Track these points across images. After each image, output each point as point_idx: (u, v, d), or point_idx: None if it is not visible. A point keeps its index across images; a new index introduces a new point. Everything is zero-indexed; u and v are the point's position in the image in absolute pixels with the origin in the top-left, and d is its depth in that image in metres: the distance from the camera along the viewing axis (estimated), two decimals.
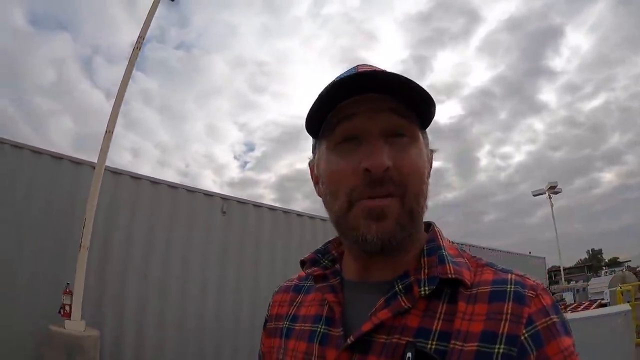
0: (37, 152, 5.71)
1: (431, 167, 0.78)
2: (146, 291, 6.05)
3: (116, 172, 6.19)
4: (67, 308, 4.87)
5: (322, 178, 0.76)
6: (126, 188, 6.25)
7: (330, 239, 0.88)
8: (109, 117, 5.73)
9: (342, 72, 0.78)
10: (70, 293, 4.92)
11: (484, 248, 12.72)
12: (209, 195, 7.13)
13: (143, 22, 6.20)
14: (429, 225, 0.82)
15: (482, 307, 0.65)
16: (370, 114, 0.70)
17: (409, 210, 0.70)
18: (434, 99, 0.70)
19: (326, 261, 0.84)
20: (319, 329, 0.77)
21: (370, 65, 0.78)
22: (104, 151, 5.53)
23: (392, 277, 0.72)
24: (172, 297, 6.27)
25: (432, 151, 0.80)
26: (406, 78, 0.67)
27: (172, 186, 6.78)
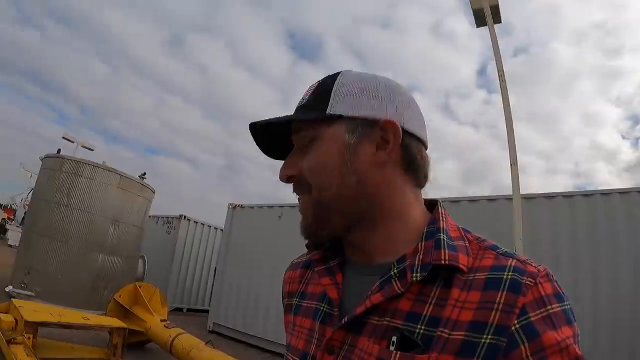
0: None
1: (357, 146, 0.77)
2: None
3: (529, 197, 6.51)
4: None
5: None
6: (539, 209, 6.53)
7: None
8: (509, 151, 6.04)
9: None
10: None
11: None
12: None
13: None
14: (434, 205, 0.81)
15: (475, 294, 0.65)
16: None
17: (316, 202, 0.77)
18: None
19: (328, 243, 0.85)
20: (322, 308, 0.81)
21: (315, 83, 0.84)
22: (515, 181, 5.87)
23: (391, 260, 0.74)
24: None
25: (360, 132, 0.77)
26: (290, 116, 0.80)
27: (586, 194, 6.55)
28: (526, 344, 0.60)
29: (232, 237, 11.80)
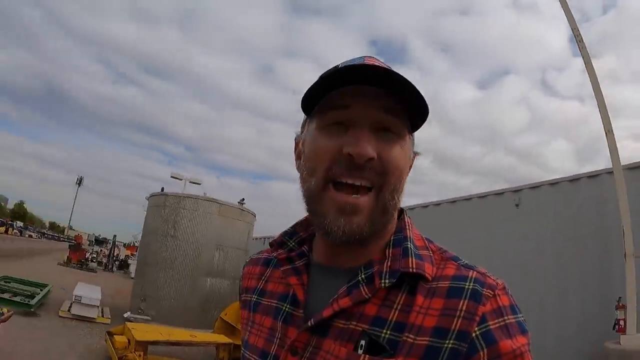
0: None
1: (411, 168, 0.80)
2: None
3: (632, 168, 5.91)
4: (621, 323, 4.80)
5: (304, 154, 0.78)
6: None
7: (298, 221, 0.90)
8: (601, 120, 5.58)
9: (352, 58, 0.81)
10: (623, 307, 4.80)
11: None
12: None
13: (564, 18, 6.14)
14: (400, 213, 0.82)
15: (438, 301, 0.68)
16: (363, 107, 0.71)
17: (382, 206, 0.73)
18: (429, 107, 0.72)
19: (293, 243, 0.86)
20: (284, 308, 0.80)
21: (378, 60, 0.79)
22: (613, 152, 5.34)
23: (358, 265, 0.75)
24: None
25: (415, 153, 0.82)
26: (409, 82, 0.68)
27: None
28: (485, 350, 0.62)
29: None
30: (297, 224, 0.90)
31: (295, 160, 0.85)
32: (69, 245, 33.06)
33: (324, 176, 0.72)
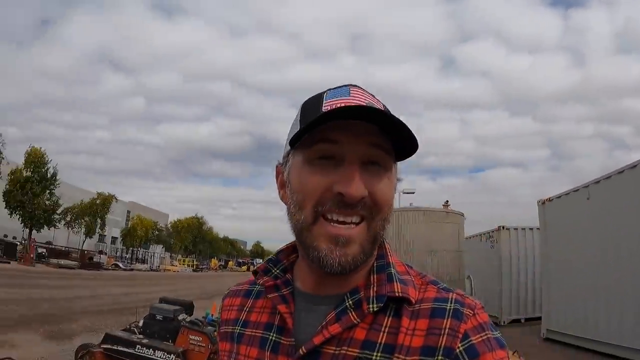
0: None
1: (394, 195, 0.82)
2: None
3: None
4: None
5: (291, 186, 0.78)
6: None
7: (281, 248, 0.91)
8: None
9: (336, 86, 0.80)
10: None
11: None
12: None
13: None
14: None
15: (423, 322, 0.71)
16: (353, 143, 0.72)
17: (373, 236, 0.75)
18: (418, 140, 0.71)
19: (277, 271, 0.87)
20: (270, 337, 0.80)
21: (362, 89, 0.79)
22: None
23: (344, 292, 0.77)
24: None
25: (398, 180, 0.82)
26: (401, 122, 0.69)
27: None
28: None
29: (548, 234, 11.40)
30: (280, 251, 0.91)
31: (279, 189, 0.85)
32: None
33: (313, 212, 0.73)
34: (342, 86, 0.79)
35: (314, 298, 0.80)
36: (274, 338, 0.79)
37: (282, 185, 0.83)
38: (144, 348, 5.32)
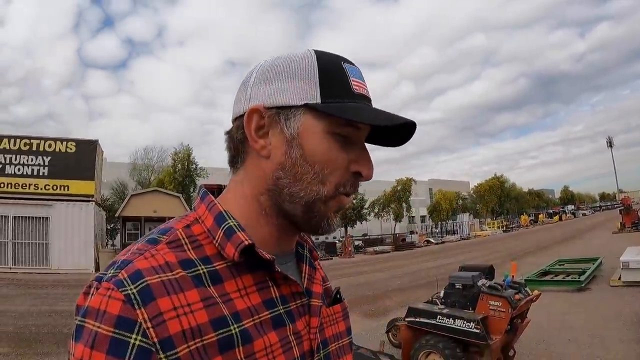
0: None
1: None
2: None
3: None
4: None
5: (305, 152, 0.72)
6: None
7: (186, 222, 0.74)
8: None
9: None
10: None
11: None
12: None
13: None
14: None
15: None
16: (365, 132, 0.76)
17: None
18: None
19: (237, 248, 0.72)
20: (280, 311, 0.74)
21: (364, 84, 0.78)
22: None
23: (292, 247, 0.84)
24: None
25: None
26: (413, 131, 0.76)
27: None
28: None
29: None
30: (218, 224, 0.73)
31: (257, 136, 0.74)
32: (619, 210, 32.09)
33: (334, 188, 0.74)
34: (352, 63, 0.78)
35: (282, 257, 0.79)
36: (282, 310, 0.74)
37: (264, 134, 0.74)
38: (445, 318, 5.36)
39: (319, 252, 0.93)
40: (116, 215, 25.79)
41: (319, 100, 0.70)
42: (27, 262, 21.08)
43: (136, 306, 0.58)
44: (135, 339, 0.57)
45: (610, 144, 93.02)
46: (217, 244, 0.71)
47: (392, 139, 0.79)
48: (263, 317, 0.70)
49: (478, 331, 4.99)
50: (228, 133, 0.80)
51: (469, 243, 37.12)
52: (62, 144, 22.76)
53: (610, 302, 8.39)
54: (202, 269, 0.68)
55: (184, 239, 0.70)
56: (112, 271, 0.62)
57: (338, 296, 0.92)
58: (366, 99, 0.74)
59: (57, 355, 6.81)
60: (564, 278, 11.02)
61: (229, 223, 0.72)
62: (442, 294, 6.13)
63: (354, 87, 0.73)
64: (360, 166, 0.74)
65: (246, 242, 0.69)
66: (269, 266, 0.72)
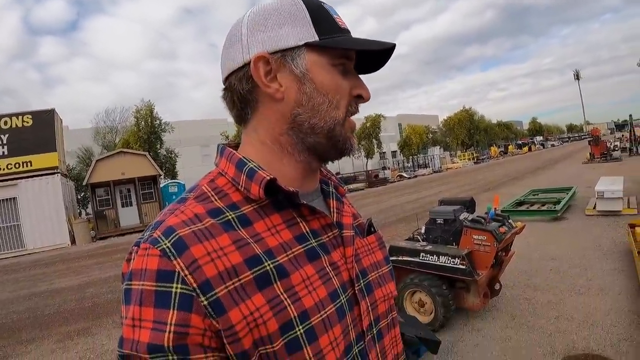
0: None
1: None
2: None
3: None
4: None
5: (316, 85, 0.78)
6: None
7: (213, 176, 0.81)
8: None
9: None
10: None
11: None
12: None
13: None
14: None
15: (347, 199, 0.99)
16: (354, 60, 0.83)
17: None
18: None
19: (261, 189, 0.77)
20: (312, 244, 0.78)
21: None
22: None
23: (316, 185, 0.89)
24: None
25: None
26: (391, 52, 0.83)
27: None
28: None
29: None
30: (240, 168, 0.78)
31: (268, 81, 0.77)
32: (588, 141, 32.52)
33: (345, 110, 0.81)
34: (326, 3, 0.83)
35: (306, 196, 0.83)
36: (315, 243, 0.78)
37: (273, 79, 0.78)
38: (428, 255, 5.21)
39: (345, 187, 0.96)
40: (84, 183, 24.79)
41: (317, 38, 0.77)
42: (0, 247, 20.47)
43: (172, 258, 0.64)
44: (177, 288, 0.62)
45: (577, 77, 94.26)
46: (242, 188, 0.76)
47: (372, 65, 0.85)
48: (296, 251, 0.75)
49: (464, 267, 4.86)
50: (227, 90, 0.82)
51: (442, 176, 37.44)
52: (17, 118, 21.61)
53: (587, 231, 8.49)
54: (230, 214, 0.73)
55: (209, 191, 0.76)
56: (147, 233, 0.68)
57: (372, 228, 0.99)
58: (348, 32, 0.81)
59: (41, 339, 6.48)
60: (539, 208, 11.14)
61: (249, 165, 0.78)
62: (423, 230, 5.94)
63: (339, 22, 0.81)
64: (360, 89, 0.82)
65: (267, 177, 0.75)
66: (294, 203, 0.78)
